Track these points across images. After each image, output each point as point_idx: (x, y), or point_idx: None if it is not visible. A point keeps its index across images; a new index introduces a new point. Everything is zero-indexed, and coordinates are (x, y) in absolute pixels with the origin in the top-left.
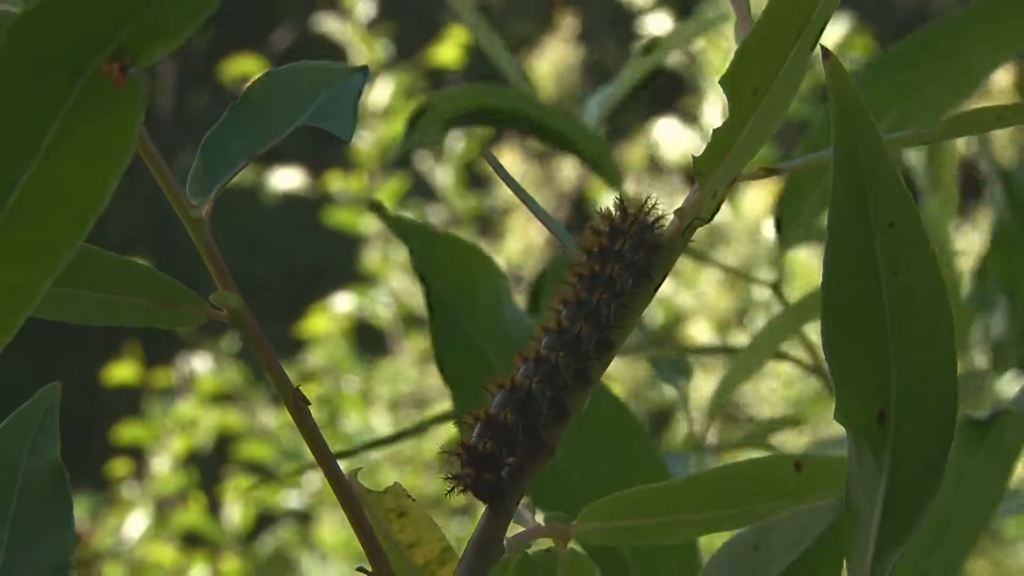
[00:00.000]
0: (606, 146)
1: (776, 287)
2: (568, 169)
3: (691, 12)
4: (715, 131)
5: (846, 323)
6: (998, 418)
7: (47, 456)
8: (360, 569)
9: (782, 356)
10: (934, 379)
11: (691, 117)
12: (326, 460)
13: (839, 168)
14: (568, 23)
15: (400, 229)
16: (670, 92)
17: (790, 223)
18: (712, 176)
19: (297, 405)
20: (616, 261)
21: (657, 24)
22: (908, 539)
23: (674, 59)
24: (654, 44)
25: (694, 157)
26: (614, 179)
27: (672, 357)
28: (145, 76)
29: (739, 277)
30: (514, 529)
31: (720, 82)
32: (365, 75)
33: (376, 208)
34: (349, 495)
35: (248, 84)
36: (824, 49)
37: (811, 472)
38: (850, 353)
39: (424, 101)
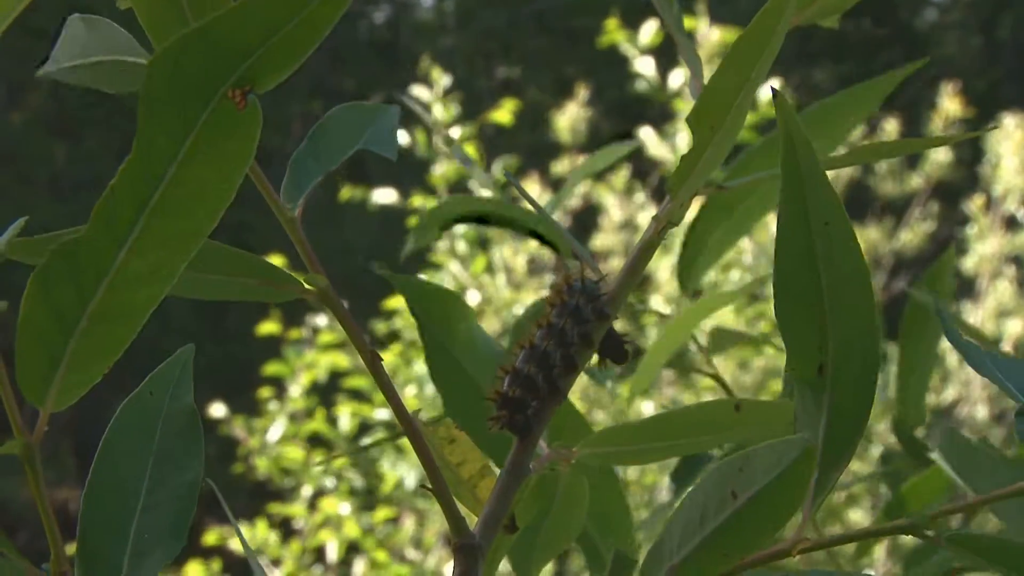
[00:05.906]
0: (555, 224)
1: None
2: (575, 200)
3: (672, 56)
4: (682, 157)
5: (792, 299)
6: None
7: (183, 401)
8: (422, 486)
9: (671, 365)
10: (861, 341)
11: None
12: (395, 401)
13: (786, 180)
14: (581, 93)
15: (399, 284)
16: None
17: (694, 247)
18: (680, 191)
19: (372, 360)
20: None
21: (643, 65)
22: (844, 464)
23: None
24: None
25: (665, 177)
26: (564, 247)
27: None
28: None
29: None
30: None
31: (686, 120)
32: (397, 110)
33: (383, 271)
34: (413, 427)
35: (319, 121)
36: (773, 90)
37: (747, 412)
38: (796, 321)
39: (430, 208)
